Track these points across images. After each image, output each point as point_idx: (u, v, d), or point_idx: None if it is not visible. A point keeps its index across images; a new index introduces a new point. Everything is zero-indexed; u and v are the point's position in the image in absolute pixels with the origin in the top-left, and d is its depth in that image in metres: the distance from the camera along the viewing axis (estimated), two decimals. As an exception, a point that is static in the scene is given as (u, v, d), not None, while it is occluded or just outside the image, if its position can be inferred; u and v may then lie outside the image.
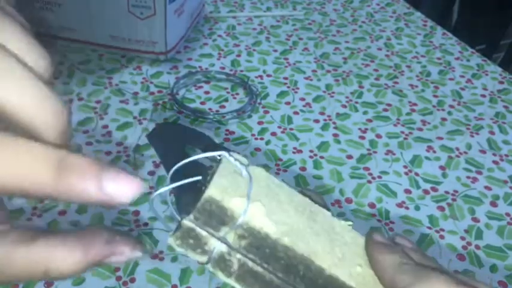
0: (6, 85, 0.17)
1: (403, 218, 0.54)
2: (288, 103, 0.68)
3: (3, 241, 0.20)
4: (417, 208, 0.56)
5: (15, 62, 0.18)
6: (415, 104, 0.70)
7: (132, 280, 0.46)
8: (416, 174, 0.60)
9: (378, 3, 0.93)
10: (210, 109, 0.66)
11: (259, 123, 0.65)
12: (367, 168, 0.60)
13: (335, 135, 0.64)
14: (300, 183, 0.57)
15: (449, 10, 1.45)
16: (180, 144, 0.32)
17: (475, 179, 0.60)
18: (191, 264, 0.48)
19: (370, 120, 0.67)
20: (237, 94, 0.69)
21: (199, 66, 0.73)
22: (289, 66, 0.75)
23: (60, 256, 0.20)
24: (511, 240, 0.53)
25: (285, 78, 0.73)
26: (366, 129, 0.65)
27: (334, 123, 0.66)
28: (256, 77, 0.72)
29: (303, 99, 0.69)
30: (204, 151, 0.27)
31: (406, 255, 0.28)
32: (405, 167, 0.60)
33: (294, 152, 0.61)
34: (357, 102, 0.69)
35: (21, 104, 0.18)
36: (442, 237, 0.53)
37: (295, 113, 0.67)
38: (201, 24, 0.82)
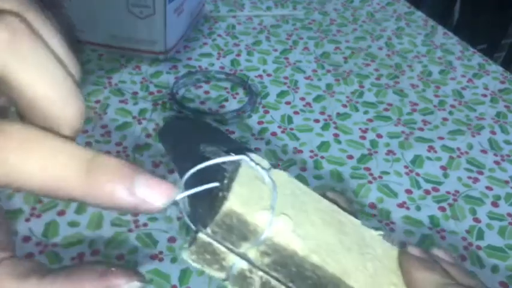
0: (40, 75, 0.17)
1: (404, 218, 0.54)
2: (288, 103, 0.68)
3: None
4: (418, 208, 0.55)
5: (51, 57, 0.18)
6: (416, 104, 0.70)
7: (131, 281, 0.46)
8: (417, 174, 0.59)
9: (379, 3, 0.92)
10: (209, 109, 0.66)
11: (259, 123, 0.64)
12: (367, 168, 0.59)
13: (335, 135, 0.64)
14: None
15: (450, 10, 1.45)
16: (193, 141, 0.29)
17: (476, 179, 0.59)
18: (191, 265, 0.47)
19: (370, 120, 0.66)
20: (237, 94, 0.68)
21: (199, 66, 0.73)
22: (289, 65, 0.75)
23: None
24: (512, 240, 0.53)
25: (285, 78, 0.72)
26: (367, 129, 0.65)
27: (334, 123, 0.65)
28: (256, 77, 0.72)
29: (303, 99, 0.69)
30: (220, 149, 0.25)
31: (447, 273, 0.26)
32: (406, 167, 0.60)
33: (294, 152, 0.61)
34: (357, 102, 0.69)
35: (50, 96, 0.18)
36: (443, 237, 0.53)
37: (296, 112, 0.66)
38: (201, 24, 0.82)
